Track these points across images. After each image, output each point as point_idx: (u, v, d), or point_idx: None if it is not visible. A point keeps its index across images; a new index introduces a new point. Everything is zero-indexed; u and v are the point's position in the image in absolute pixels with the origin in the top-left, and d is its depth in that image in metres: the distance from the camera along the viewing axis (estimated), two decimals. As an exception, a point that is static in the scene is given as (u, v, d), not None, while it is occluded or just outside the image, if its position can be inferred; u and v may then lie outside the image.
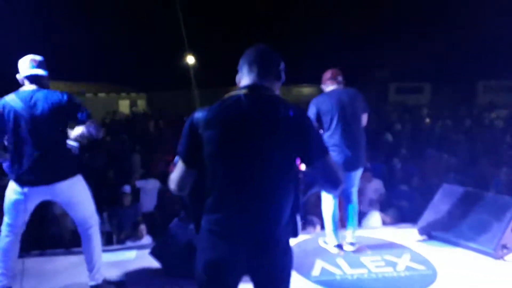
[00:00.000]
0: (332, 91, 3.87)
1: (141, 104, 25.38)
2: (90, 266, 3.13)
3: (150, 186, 6.93)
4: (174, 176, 1.87)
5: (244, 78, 1.90)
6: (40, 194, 2.99)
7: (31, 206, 3.03)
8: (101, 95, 22.33)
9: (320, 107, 3.77)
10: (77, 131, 2.96)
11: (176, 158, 1.87)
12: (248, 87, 1.84)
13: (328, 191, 2.29)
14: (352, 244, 3.99)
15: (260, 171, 1.74)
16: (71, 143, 3.01)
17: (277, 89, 1.93)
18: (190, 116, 1.82)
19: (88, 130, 2.94)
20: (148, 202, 6.86)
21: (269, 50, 1.93)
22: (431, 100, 23.88)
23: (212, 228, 1.79)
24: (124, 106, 23.52)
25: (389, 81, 25.38)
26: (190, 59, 24.06)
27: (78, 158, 3.06)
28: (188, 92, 21.89)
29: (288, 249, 1.87)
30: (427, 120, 14.32)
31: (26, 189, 2.91)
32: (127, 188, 6.12)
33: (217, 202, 1.78)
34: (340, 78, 3.92)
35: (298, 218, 1.92)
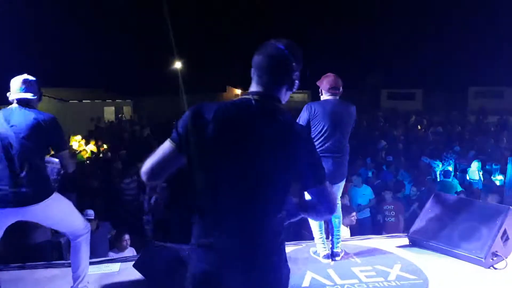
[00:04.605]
0: (328, 101, 3.83)
1: (127, 110, 25.07)
2: (76, 274, 3.04)
3: None
4: (154, 157, 1.76)
5: (253, 84, 1.79)
6: (11, 216, 2.84)
7: (3, 226, 2.87)
8: (86, 101, 22.10)
9: (312, 114, 3.74)
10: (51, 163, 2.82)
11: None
12: (255, 94, 1.75)
13: (322, 217, 2.32)
14: (337, 254, 3.94)
15: (256, 185, 1.68)
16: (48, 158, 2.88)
17: (287, 97, 1.83)
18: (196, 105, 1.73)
19: (63, 165, 2.84)
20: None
21: (286, 56, 1.75)
22: (423, 106, 24.09)
23: (202, 242, 1.72)
24: (109, 112, 23.19)
25: (380, 87, 25.59)
26: (177, 65, 24.03)
27: (57, 176, 2.96)
28: (175, 98, 21.75)
29: (282, 265, 1.78)
30: (419, 126, 14.40)
31: None
32: (89, 213, 5.21)
33: (208, 215, 1.71)
34: (340, 88, 3.85)
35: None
